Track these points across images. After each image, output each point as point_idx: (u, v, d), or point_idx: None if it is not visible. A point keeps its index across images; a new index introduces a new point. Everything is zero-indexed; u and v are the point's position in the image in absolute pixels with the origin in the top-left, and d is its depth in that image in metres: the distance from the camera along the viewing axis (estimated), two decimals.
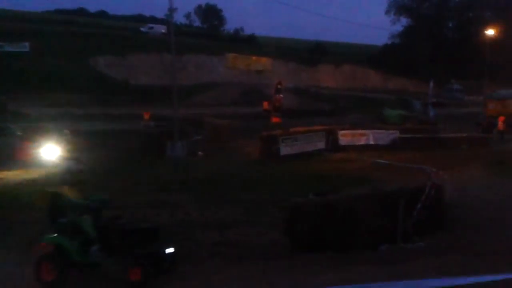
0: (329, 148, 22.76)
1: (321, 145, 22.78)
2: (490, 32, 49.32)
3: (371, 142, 23.69)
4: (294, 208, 9.29)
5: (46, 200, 7.92)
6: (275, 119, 33.94)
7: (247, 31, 77.76)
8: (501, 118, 32.96)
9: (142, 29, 61.74)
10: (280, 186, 14.61)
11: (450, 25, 76.83)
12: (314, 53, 69.13)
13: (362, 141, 23.81)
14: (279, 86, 36.63)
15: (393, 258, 7.84)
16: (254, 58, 58.88)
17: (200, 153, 22.03)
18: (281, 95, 35.74)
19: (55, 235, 7.63)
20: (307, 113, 36.86)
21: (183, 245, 8.94)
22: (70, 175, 13.84)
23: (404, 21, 73.66)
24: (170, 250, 7.33)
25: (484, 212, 9.49)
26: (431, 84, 32.32)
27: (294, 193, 11.68)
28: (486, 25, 52.52)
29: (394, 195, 8.90)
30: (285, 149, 21.54)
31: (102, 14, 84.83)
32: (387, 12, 72.42)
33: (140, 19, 79.83)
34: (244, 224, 10.46)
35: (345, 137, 23.77)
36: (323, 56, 67.84)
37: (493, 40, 49.33)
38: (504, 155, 19.59)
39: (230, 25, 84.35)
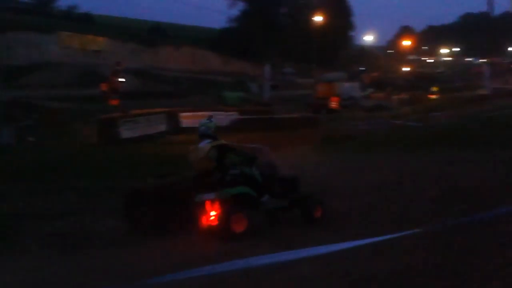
0: (171, 130, 22.76)
1: (162, 127, 22.68)
2: (318, 18, 52.99)
3: None
4: (133, 192, 9.15)
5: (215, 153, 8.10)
6: (113, 102, 32.80)
7: (82, 9, 73.59)
8: (333, 99, 35.90)
9: None
10: (120, 170, 14.16)
11: (283, 11, 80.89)
12: (154, 34, 68.03)
13: None
14: (117, 68, 35.39)
15: None
16: (90, 37, 55.92)
17: (30, 139, 20.50)
18: (120, 77, 34.59)
19: (239, 187, 8.02)
20: (147, 95, 36.33)
21: (13, 239, 8.37)
22: None
23: (241, 5, 75.80)
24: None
25: (311, 186, 10.24)
26: (267, 67, 33.86)
27: (135, 178, 11.51)
28: (314, 11, 56.30)
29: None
30: (125, 133, 21.02)
31: None
32: None
33: None
34: (79, 213, 9.99)
35: (186, 119, 23.93)
36: (163, 37, 67.08)
37: (320, 27, 53.14)
38: (332, 133, 21.37)
39: (63, 2, 79.21)
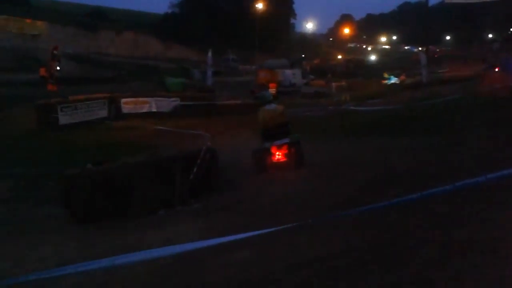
0: (112, 116, 22.39)
1: (103, 113, 22.24)
2: (260, 5, 53.11)
3: (154, 110, 23.97)
4: (70, 178, 9.06)
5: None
6: (51, 87, 31.82)
7: None
8: (271, 85, 36.20)
9: None
10: (58, 157, 13.95)
11: None
12: (95, 18, 66.07)
13: (145, 109, 23.93)
14: (55, 52, 34.34)
15: (169, 221, 8.22)
16: (28, 21, 53.77)
17: None
18: (57, 61, 33.56)
19: (295, 134, 11.20)
20: (88, 81, 35.43)
21: None
22: None
23: None
24: None
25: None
26: (210, 53, 33.69)
27: (73, 164, 11.33)
28: None
29: (170, 160, 9.28)
30: (64, 118, 20.50)
31: None
32: None
33: None
34: (16, 199, 9.80)
35: (127, 104, 23.60)
36: (104, 22, 65.31)
37: (261, 14, 53.32)
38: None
39: None
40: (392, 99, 28.02)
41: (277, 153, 10.89)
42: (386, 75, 50.07)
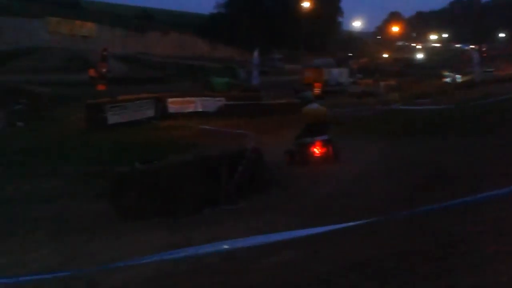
0: (158, 116, 22.73)
1: (150, 113, 22.60)
2: (306, 4, 52.72)
3: (199, 109, 24.17)
4: (119, 177, 9.23)
5: None
6: (100, 87, 32.70)
7: None
8: (317, 85, 35.89)
9: None
10: (107, 155, 14.26)
11: None
12: (142, 19, 67.52)
13: (191, 108, 24.17)
14: (104, 53, 35.30)
15: (215, 220, 8.22)
16: (78, 23, 55.52)
17: (20, 123, 20.46)
18: (107, 62, 34.49)
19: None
20: (136, 81, 36.18)
21: (2, 222, 8.43)
22: None
23: None
24: None
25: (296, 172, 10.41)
26: (256, 53, 33.73)
27: (121, 163, 11.55)
28: None
29: (216, 159, 9.30)
30: (112, 118, 20.94)
31: None
32: None
33: None
34: (67, 197, 10.05)
35: (174, 104, 23.88)
36: (151, 23, 66.63)
37: (308, 13, 52.94)
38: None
39: None
40: (443, 99, 27.24)
41: (316, 148, 12.12)
42: (445, 73, 48.89)
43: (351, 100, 32.17)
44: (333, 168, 11.48)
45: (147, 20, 68.04)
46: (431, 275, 4.15)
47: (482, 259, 4.21)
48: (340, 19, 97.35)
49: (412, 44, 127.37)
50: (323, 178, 10.70)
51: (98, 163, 13.00)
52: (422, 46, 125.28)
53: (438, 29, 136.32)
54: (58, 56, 44.95)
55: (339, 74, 43.90)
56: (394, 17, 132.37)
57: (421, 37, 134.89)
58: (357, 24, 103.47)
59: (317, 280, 4.64)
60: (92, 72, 35.50)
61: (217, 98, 25.03)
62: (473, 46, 72.80)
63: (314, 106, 12.71)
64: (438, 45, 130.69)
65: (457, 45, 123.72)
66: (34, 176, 11.71)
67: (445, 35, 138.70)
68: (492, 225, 5.20)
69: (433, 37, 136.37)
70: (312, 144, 12.08)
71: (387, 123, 18.66)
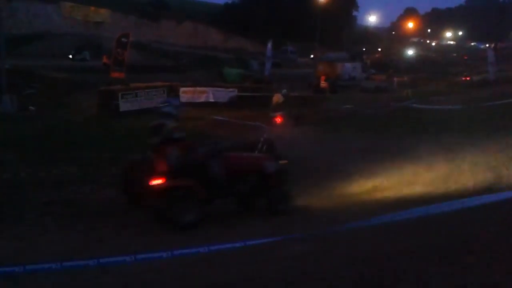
0: None
1: (162, 101, 22.61)
2: None
3: (211, 100, 24.17)
4: (131, 164, 9.22)
5: None
6: (115, 74, 32.66)
7: None
8: (323, 78, 35.59)
9: None
10: (119, 143, 14.28)
11: None
12: (156, 7, 67.29)
13: (202, 98, 24.17)
14: (123, 40, 35.14)
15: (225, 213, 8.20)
16: (92, 8, 55.40)
17: (32, 108, 20.53)
18: (125, 49, 34.38)
19: None
20: (148, 69, 36.14)
21: (11, 207, 8.44)
22: None
23: None
24: None
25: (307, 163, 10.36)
26: (269, 45, 33.55)
27: (133, 150, 11.57)
28: None
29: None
30: (124, 105, 20.99)
31: None
32: None
33: None
34: (79, 183, 10.07)
35: (186, 94, 23.90)
36: (165, 11, 66.41)
37: (323, 6, 52.44)
38: (331, 113, 21.37)
39: None
40: (458, 97, 26.98)
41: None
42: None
43: (364, 95, 31.95)
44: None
45: (161, 8, 67.86)
46: (444, 273, 4.11)
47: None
48: (355, 13, 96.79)
49: (427, 41, 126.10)
50: (333, 172, 10.65)
51: (110, 150, 13.02)
52: (436, 43, 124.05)
53: (454, 27, 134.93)
54: (72, 41, 44.87)
55: (352, 68, 43.68)
56: (409, 13, 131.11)
57: (436, 34, 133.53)
58: (372, 19, 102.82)
59: (329, 272, 4.61)
60: (105, 59, 35.40)
61: (229, 89, 25.00)
62: (488, 45, 71.85)
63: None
64: (452, 42, 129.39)
65: (472, 43, 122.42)
66: (46, 161, 11.73)
67: (460, 33, 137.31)
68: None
69: (448, 34, 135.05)
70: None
71: (401, 121, 18.47)
